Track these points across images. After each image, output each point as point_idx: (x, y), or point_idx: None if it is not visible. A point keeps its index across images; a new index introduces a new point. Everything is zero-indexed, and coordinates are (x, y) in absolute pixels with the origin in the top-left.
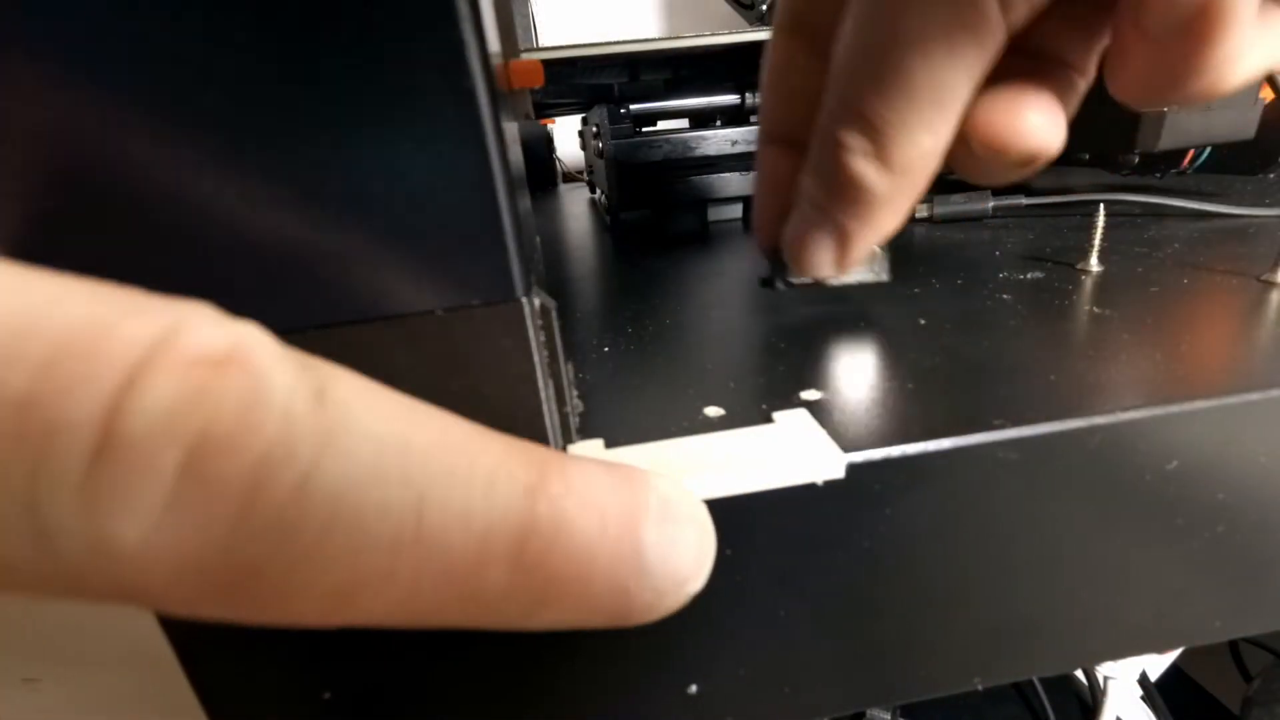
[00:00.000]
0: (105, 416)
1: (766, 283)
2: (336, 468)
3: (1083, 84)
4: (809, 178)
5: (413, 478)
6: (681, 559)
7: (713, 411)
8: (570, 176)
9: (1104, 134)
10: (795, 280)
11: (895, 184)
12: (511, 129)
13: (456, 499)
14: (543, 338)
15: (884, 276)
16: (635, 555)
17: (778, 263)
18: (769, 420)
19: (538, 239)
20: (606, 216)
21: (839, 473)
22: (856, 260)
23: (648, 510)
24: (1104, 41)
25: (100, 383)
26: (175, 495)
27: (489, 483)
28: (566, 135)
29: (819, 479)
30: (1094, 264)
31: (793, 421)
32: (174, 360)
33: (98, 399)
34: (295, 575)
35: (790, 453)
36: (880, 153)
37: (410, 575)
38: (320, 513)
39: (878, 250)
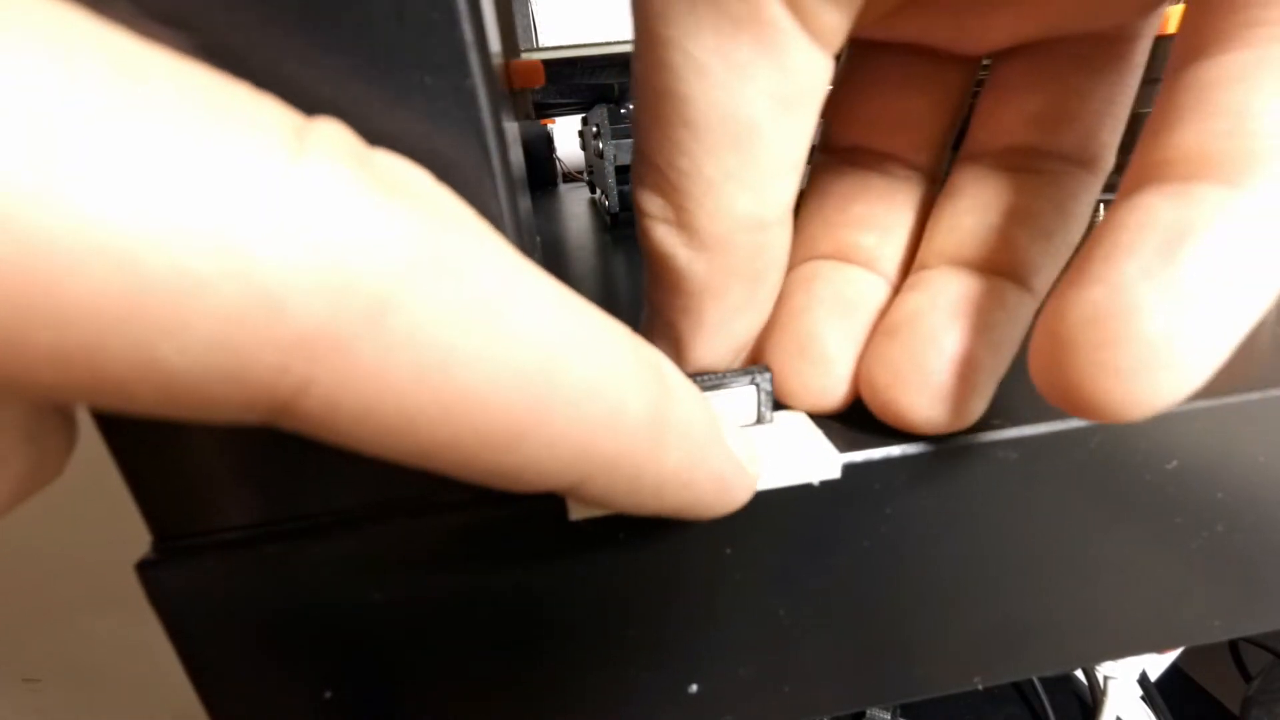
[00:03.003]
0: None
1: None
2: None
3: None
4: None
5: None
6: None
7: None
8: (570, 176)
9: None
10: None
11: (712, 266)
12: (511, 129)
13: (611, 335)
14: None
15: (834, 472)
16: (717, 429)
17: None
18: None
19: (538, 239)
20: (606, 216)
21: (835, 473)
22: (709, 366)
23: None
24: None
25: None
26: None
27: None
28: (566, 135)
29: (815, 479)
30: None
31: (790, 421)
32: (326, 130)
33: (288, 119)
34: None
35: (786, 453)
36: (681, 217)
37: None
38: (503, 272)
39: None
